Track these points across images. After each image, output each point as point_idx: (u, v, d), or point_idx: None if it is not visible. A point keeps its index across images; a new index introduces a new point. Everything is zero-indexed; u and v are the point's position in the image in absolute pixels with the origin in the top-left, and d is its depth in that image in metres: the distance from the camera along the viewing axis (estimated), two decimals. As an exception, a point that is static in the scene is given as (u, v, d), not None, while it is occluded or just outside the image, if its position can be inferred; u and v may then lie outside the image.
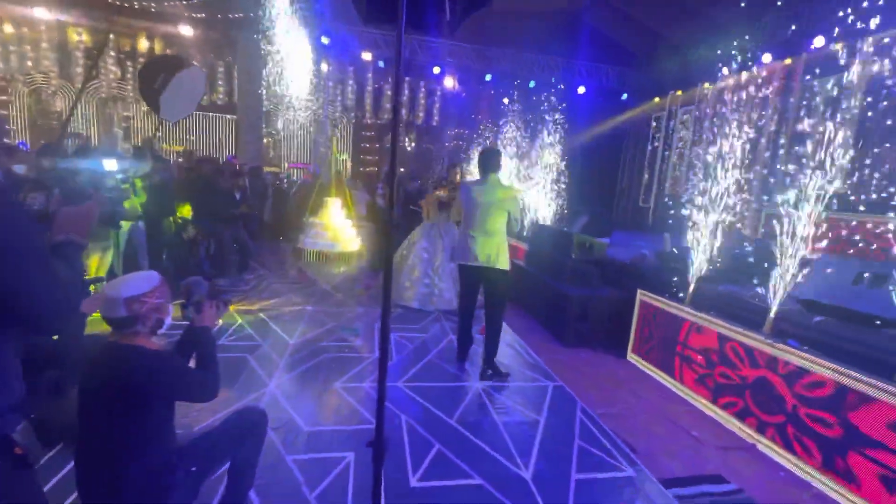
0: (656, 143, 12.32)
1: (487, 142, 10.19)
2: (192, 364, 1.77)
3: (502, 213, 3.54)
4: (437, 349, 4.20)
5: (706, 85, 10.01)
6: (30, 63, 11.35)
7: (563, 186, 8.03)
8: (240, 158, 11.73)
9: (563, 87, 10.98)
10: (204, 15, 10.45)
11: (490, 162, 3.62)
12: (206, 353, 1.76)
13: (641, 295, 4.24)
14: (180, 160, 9.83)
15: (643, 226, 12.07)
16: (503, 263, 3.56)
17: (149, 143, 6.68)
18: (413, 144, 15.47)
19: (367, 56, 11.72)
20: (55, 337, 2.25)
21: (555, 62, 12.25)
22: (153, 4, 9.89)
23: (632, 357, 4.31)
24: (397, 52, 1.23)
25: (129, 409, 1.43)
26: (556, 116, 8.48)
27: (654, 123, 12.51)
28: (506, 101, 11.31)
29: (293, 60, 10.30)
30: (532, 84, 11.92)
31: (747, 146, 3.92)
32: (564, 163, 8.04)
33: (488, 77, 12.16)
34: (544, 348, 4.44)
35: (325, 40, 10.31)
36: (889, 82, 5.40)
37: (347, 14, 9.48)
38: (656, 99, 12.03)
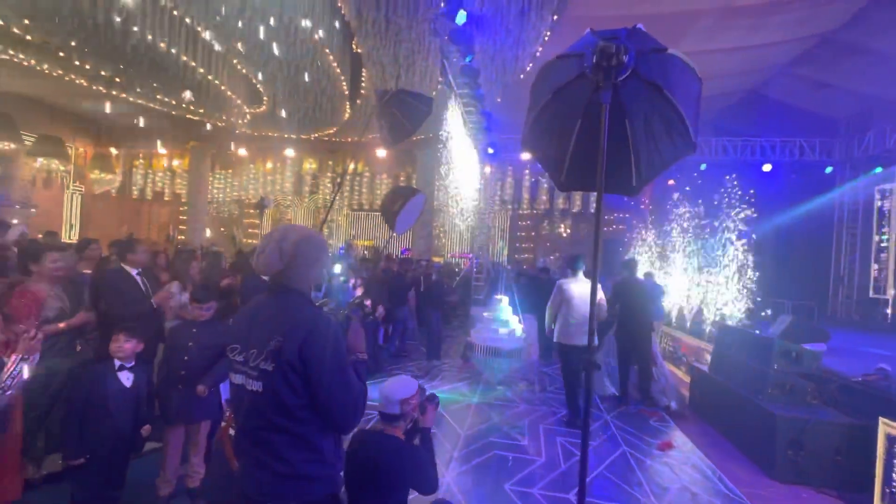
0: (883, 223, 9.94)
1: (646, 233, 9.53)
2: None
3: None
4: (610, 460, 3.85)
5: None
6: (278, 186, 15.68)
7: (752, 276, 6.88)
8: (413, 251, 13.51)
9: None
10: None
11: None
12: (430, 451, 2.00)
13: (887, 426, 3.25)
14: (365, 253, 11.92)
15: (875, 325, 9.41)
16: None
17: (348, 244, 8.33)
18: (569, 231, 15.75)
19: (526, 156, 12.71)
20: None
21: (732, 143, 11.36)
22: (361, 139, 12.85)
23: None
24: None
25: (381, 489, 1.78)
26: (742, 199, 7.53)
27: (878, 196, 10.22)
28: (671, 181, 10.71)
29: (462, 168, 11.81)
30: (703, 167, 11.13)
31: None
32: (749, 249, 6.95)
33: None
34: (744, 479, 3.66)
35: (490, 150, 11.65)
36: None
37: (509, 126, 10.76)
38: (878, 168, 9.94)
